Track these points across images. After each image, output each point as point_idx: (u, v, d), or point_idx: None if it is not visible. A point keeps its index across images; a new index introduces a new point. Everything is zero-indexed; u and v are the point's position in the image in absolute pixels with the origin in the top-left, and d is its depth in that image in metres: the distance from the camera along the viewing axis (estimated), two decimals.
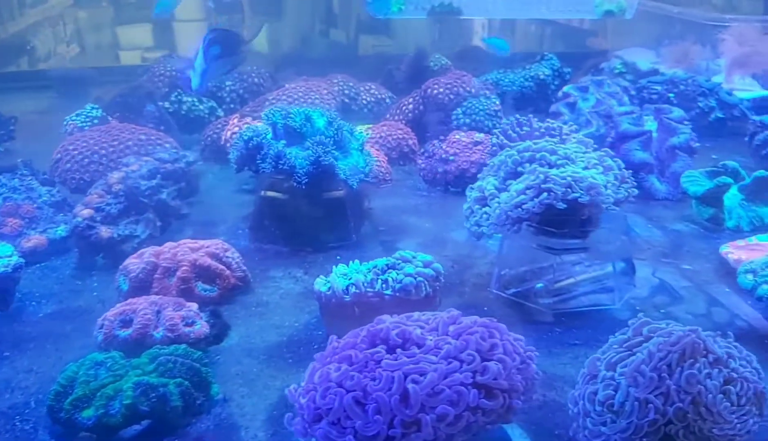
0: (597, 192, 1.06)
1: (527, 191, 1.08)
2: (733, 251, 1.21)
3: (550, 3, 2.68)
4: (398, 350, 0.74)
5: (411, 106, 1.97)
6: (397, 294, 1.01)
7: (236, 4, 2.83)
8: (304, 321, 1.09)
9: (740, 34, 2.47)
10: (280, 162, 1.30)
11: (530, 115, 1.43)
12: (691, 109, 2.05)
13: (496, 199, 1.12)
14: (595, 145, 1.20)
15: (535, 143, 1.17)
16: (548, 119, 1.30)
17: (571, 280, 1.14)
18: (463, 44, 3.28)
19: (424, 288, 1.02)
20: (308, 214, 1.34)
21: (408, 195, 1.64)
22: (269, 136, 1.36)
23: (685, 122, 1.64)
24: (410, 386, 0.69)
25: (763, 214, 1.35)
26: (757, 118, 1.76)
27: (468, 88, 1.92)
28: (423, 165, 1.69)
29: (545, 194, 1.06)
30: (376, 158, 1.65)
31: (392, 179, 1.70)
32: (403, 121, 1.96)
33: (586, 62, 2.49)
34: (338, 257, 1.28)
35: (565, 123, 1.90)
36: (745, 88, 2.37)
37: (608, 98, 1.93)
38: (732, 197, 1.39)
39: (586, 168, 1.12)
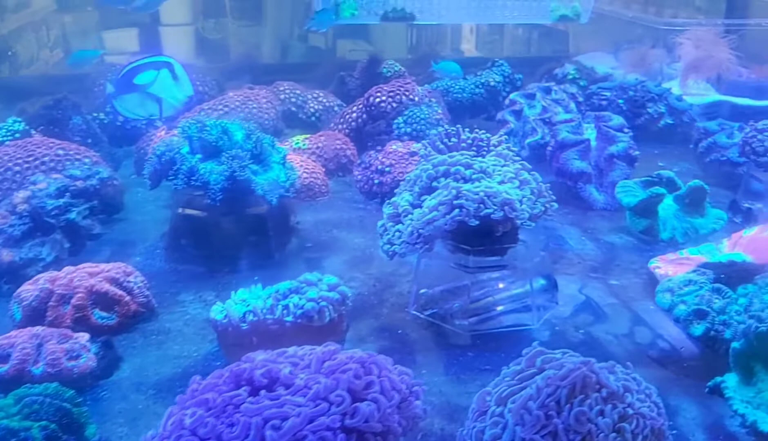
0: (511, 208, 1.01)
1: (439, 207, 1.03)
2: (662, 265, 1.16)
3: (506, 8, 2.64)
4: (262, 392, 0.68)
5: (355, 115, 1.91)
6: (299, 320, 0.95)
7: None
8: (205, 351, 1.03)
9: (698, 38, 2.45)
10: (193, 178, 1.24)
11: (458, 126, 1.38)
12: (640, 115, 2.02)
13: (409, 216, 1.07)
14: (516, 157, 1.15)
15: (450, 156, 1.11)
16: (477, 130, 1.26)
17: (489, 299, 1.08)
18: (426, 49, 3.25)
19: (328, 313, 0.96)
20: (227, 233, 1.28)
21: (343, 208, 1.59)
22: (184, 150, 1.30)
23: (625, 130, 1.60)
24: (269, 433, 0.63)
25: (698, 225, 1.31)
26: (701, 124, 1.73)
27: (411, 96, 1.86)
28: (359, 176, 1.63)
29: (457, 211, 1.01)
30: (306, 170, 1.59)
31: (329, 191, 1.64)
32: (347, 131, 1.90)
33: (540, 67, 2.45)
34: (256, 278, 1.22)
35: (510, 132, 1.89)
36: (699, 93, 2.35)
37: (554, 105, 1.89)
38: (667, 208, 1.35)
39: (502, 182, 1.07)
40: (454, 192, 1.03)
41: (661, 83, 2.32)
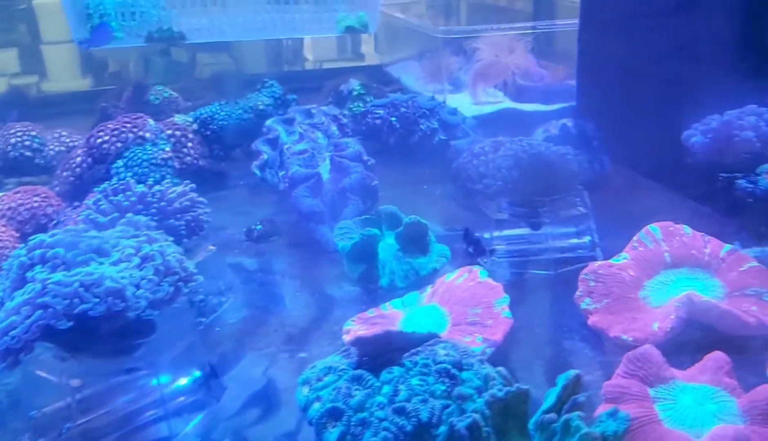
0: (119, 298, 0.78)
1: (22, 309, 0.78)
2: (356, 328, 0.97)
3: (291, 21, 2.44)
4: None
5: (79, 159, 1.62)
6: None
7: None
8: None
9: (493, 44, 2.36)
10: None
11: (129, 179, 1.15)
12: (414, 132, 1.87)
13: None
14: (152, 223, 0.92)
15: (52, 235, 0.86)
16: (141, 185, 1.02)
17: (102, 411, 0.84)
18: (219, 69, 2.99)
19: None
20: None
21: None
22: None
23: (365, 158, 1.42)
24: None
25: (419, 266, 1.14)
26: (454, 142, 1.59)
27: (141, 133, 1.60)
28: None
29: (40, 312, 0.76)
30: None
31: None
32: (72, 179, 1.61)
33: (327, 84, 2.27)
34: None
35: (264, 163, 1.66)
36: (490, 101, 2.25)
37: (312, 131, 1.69)
38: (388, 248, 1.17)
39: (119, 261, 0.84)
40: (39, 286, 0.78)
41: (445, 95, 2.21)
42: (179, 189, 1.13)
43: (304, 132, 1.66)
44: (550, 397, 0.63)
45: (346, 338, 0.95)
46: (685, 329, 0.92)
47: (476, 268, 1.00)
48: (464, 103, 2.29)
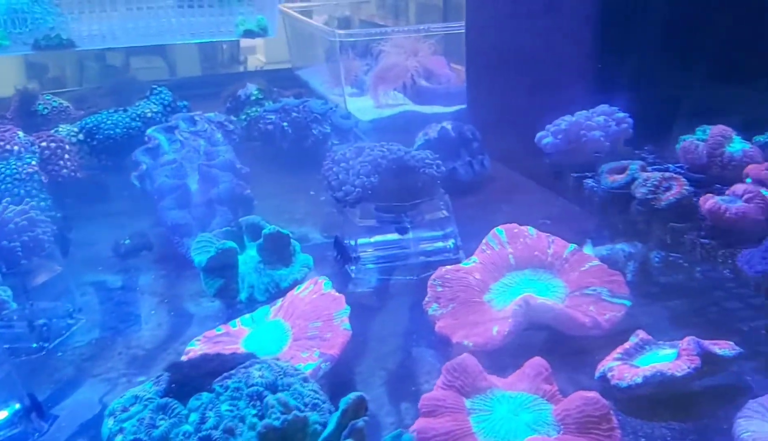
0: None
1: None
2: (197, 348, 0.94)
3: (188, 26, 2.38)
4: None
5: None
6: None
7: None
8: None
9: (399, 46, 2.35)
10: None
11: None
12: (306, 137, 1.84)
13: None
14: None
15: None
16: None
17: None
18: (123, 74, 2.90)
19: None
20: None
21: None
22: None
23: (238, 166, 1.39)
24: None
25: (280, 278, 1.11)
26: (334, 149, 1.57)
27: (10, 146, 1.52)
28: None
29: None
30: None
31: None
32: None
33: (226, 89, 2.21)
34: None
35: (143, 174, 1.60)
36: (390, 104, 2.24)
37: (193, 139, 1.64)
38: (249, 261, 1.14)
39: None
40: None
41: (344, 98, 2.19)
42: (18, 208, 1.07)
43: (185, 140, 1.61)
44: (331, 423, 0.61)
45: (184, 358, 0.91)
46: (528, 331, 0.93)
47: (321, 279, 0.98)
48: (366, 107, 2.28)
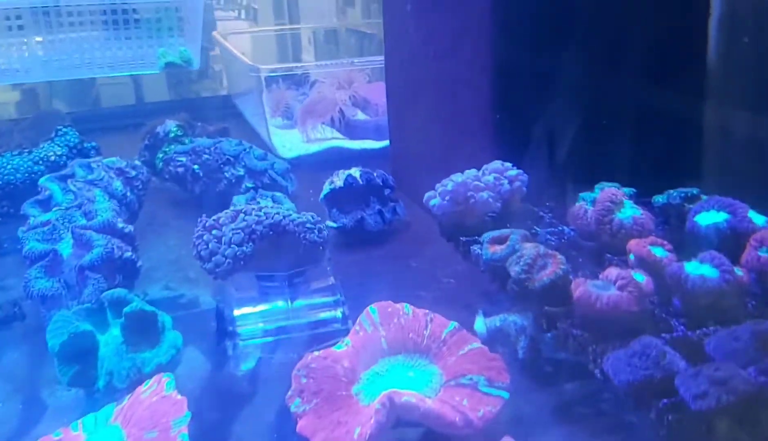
0: None
1: None
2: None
3: (109, 59, 2.27)
4: None
5: None
6: None
7: None
8: None
9: (333, 76, 2.26)
10: None
11: None
12: (219, 180, 1.74)
13: None
14: None
15: None
16: None
17: None
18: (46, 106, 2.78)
19: None
20: None
21: None
22: None
23: (121, 225, 1.28)
24: None
25: (142, 362, 1.00)
26: (235, 199, 1.47)
27: None
28: None
29: None
30: None
31: None
32: None
33: (147, 125, 2.10)
34: None
35: (35, 227, 1.49)
36: (319, 139, 2.15)
37: (87, 189, 1.52)
38: (112, 341, 1.03)
39: None
40: None
41: (270, 133, 2.10)
42: None
43: (78, 191, 1.49)
44: None
45: None
46: (400, 428, 0.83)
47: (165, 377, 0.88)
48: (295, 141, 2.19)
